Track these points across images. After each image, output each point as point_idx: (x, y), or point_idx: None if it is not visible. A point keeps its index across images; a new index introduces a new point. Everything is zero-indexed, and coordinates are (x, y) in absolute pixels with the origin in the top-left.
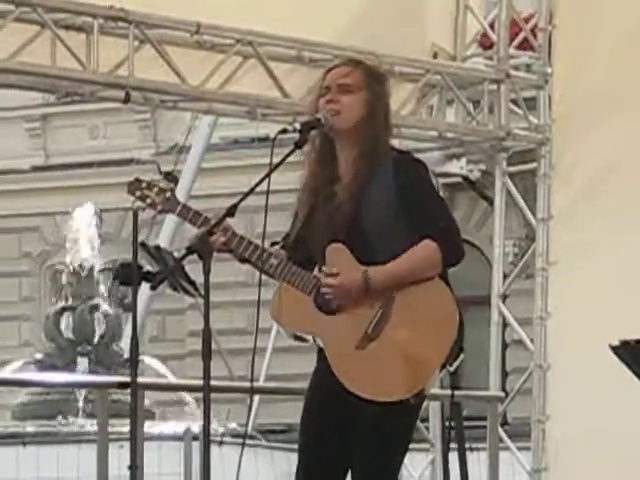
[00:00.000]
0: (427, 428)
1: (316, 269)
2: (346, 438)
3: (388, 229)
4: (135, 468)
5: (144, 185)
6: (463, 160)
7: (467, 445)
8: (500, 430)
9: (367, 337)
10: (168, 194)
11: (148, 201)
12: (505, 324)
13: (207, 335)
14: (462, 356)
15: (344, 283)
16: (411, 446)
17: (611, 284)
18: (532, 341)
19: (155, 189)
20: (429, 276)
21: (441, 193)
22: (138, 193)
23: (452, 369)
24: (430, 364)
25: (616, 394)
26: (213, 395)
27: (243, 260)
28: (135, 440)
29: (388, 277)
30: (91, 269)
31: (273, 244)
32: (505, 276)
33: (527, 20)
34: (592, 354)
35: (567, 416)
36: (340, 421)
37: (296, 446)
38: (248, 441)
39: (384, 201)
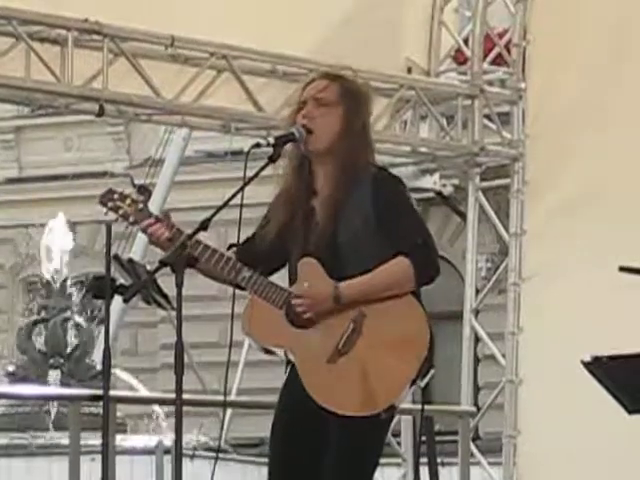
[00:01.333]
0: (399, 443)
1: (287, 283)
2: (317, 452)
3: (363, 245)
4: None
5: (116, 197)
6: (436, 175)
7: (439, 460)
8: (472, 445)
9: (338, 352)
10: (141, 205)
11: (120, 212)
12: (477, 339)
13: (180, 348)
14: (432, 372)
15: (314, 296)
16: (383, 460)
17: (583, 299)
18: (504, 356)
19: (128, 200)
20: (401, 292)
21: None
22: (110, 204)
23: (422, 384)
24: (400, 379)
25: (588, 410)
26: (185, 408)
27: (211, 277)
28: (107, 453)
29: (358, 291)
30: (64, 281)
31: (231, 246)
32: (478, 291)
33: (501, 36)
34: (564, 369)
35: (538, 431)
36: (310, 435)
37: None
38: (220, 455)
39: (361, 217)
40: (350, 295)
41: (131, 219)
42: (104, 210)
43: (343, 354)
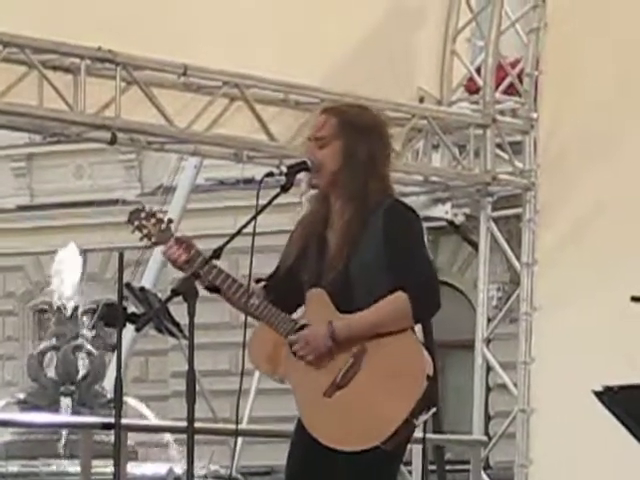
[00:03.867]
0: (410, 472)
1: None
2: None
3: (373, 278)
4: None
5: (143, 215)
6: (448, 204)
7: None
8: (483, 474)
9: (335, 385)
10: (164, 226)
11: (145, 231)
12: (489, 368)
13: (191, 377)
14: (433, 409)
15: (311, 340)
16: None
17: (595, 329)
18: (516, 385)
19: (153, 220)
20: (399, 328)
21: (425, 238)
22: (136, 223)
23: (418, 423)
24: (395, 416)
25: (599, 439)
26: (196, 437)
27: (212, 289)
28: None
29: (353, 329)
30: (75, 309)
31: (258, 281)
32: (489, 320)
33: (513, 65)
34: (576, 399)
35: (550, 461)
36: (322, 468)
37: None
38: None
39: (372, 250)
40: (346, 334)
41: (153, 239)
42: (129, 231)
43: (340, 388)
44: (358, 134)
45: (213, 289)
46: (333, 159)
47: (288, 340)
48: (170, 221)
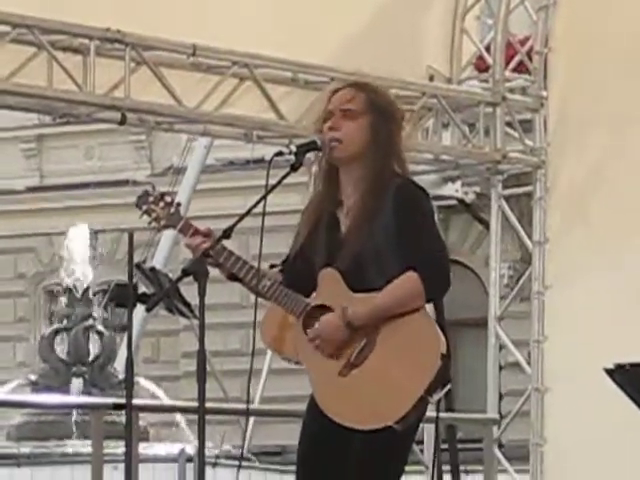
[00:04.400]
0: (422, 450)
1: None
2: (342, 463)
3: (385, 257)
4: None
5: (151, 199)
6: (458, 183)
7: (462, 467)
8: (498, 452)
9: (350, 364)
10: (173, 209)
11: (153, 215)
12: (500, 346)
13: (202, 357)
14: (449, 386)
15: (327, 334)
16: (406, 468)
17: (606, 306)
18: (529, 363)
19: (161, 203)
20: (412, 308)
21: (436, 216)
22: (145, 207)
23: (434, 400)
24: (409, 393)
25: (614, 417)
26: (207, 417)
27: (233, 277)
28: (130, 461)
29: (368, 313)
30: (86, 290)
31: (272, 267)
32: (501, 298)
33: (523, 43)
34: (589, 377)
35: (564, 439)
36: (336, 448)
37: (290, 468)
38: (242, 463)
39: (383, 229)
40: (360, 318)
41: (162, 222)
42: (138, 215)
43: (355, 367)
44: (383, 113)
45: (234, 278)
46: (360, 132)
47: (308, 338)
48: (179, 204)
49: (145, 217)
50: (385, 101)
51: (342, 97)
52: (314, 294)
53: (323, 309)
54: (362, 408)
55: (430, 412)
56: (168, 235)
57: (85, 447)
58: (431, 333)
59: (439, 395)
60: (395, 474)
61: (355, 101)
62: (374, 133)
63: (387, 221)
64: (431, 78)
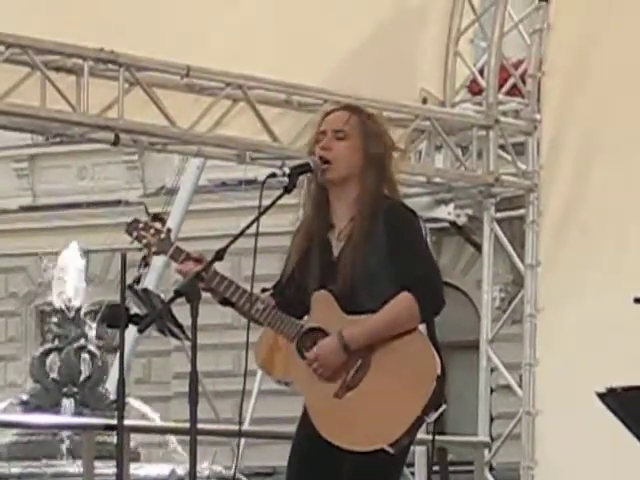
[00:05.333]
0: (412, 473)
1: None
2: None
3: (377, 279)
4: None
5: (141, 226)
6: (451, 205)
7: None
8: (489, 475)
9: (345, 386)
10: (163, 235)
11: (144, 242)
12: (491, 369)
13: (194, 378)
14: (443, 407)
15: (325, 359)
16: None
17: (600, 329)
18: (520, 386)
19: (151, 230)
20: (408, 328)
21: (429, 239)
22: (135, 234)
23: (430, 420)
24: (406, 414)
25: (605, 441)
26: (199, 438)
27: (225, 302)
28: None
29: (365, 336)
30: (77, 310)
31: (264, 290)
32: (492, 321)
33: (516, 66)
34: (581, 400)
35: (556, 463)
36: (324, 469)
37: None
38: None
39: (375, 252)
40: (356, 341)
41: (153, 249)
42: (129, 239)
43: (350, 389)
44: (376, 136)
45: (227, 303)
46: (353, 154)
47: (306, 362)
48: (169, 230)
49: (136, 244)
50: (377, 125)
51: (335, 119)
52: (306, 317)
53: (317, 332)
54: (358, 430)
55: (421, 434)
56: (160, 257)
57: (76, 467)
58: (426, 353)
59: (434, 416)
60: None
61: (349, 123)
62: (365, 156)
63: (379, 243)
64: (424, 101)
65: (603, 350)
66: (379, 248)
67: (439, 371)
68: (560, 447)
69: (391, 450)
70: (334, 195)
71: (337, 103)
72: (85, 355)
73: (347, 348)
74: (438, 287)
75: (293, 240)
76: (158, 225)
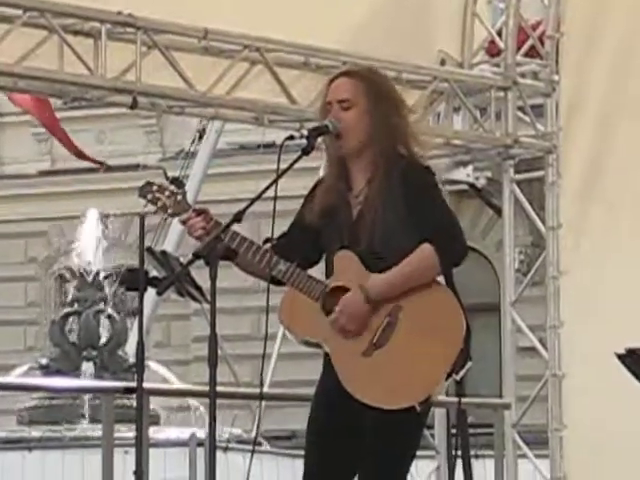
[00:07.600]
0: (432, 435)
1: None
2: (352, 445)
3: (397, 237)
4: (140, 473)
5: (155, 188)
6: (470, 167)
7: (473, 452)
8: (517, 437)
9: (373, 345)
10: (179, 197)
11: (159, 204)
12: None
13: (213, 341)
14: (469, 364)
15: (349, 312)
16: (417, 453)
17: (624, 290)
18: (545, 348)
19: (166, 192)
20: (428, 278)
21: (447, 201)
22: (149, 196)
23: (458, 378)
24: (436, 372)
25: (632, 401)
26: (218, 401)
27: (247, 271)
28: (140, 445)
29: (386, 287)
30: (96, 274)
31: (267, 241)
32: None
33: (534, 27)
34: (606, 362)
35: (583, 425)
36: (346, 428)
37: (301, 452)
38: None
39: (393, 210)
40: (378, 292)
41: (170, 211)
42: (143, 202)
43: (378, 347)
44: (383, 98)
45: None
46: (362, 120)
47: (329, 321)
48: (184, 192)
49: (151, 207)
50: (384, 85)
51: (337, 89)
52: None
53: (341, 290)
54: (387, 388)
55: (441, 396)
56: None
57: (96, 431)
58: (453, 309)
59: (462, 373)
60: (409, 454)
61: (350, 90)
62: (371, 118)
63: (397, 202)
64: (442, 62)
65: (627, 311)
66: (398, 207)
67: (465, 328)
68: (586, 409)
69: (419, 408)
70: (349, 159)
71: (355, 65)
72: (104, 319)
73: (369, 299)
74: (457, 236)
75: (310, 195)
76: (173, 187)
